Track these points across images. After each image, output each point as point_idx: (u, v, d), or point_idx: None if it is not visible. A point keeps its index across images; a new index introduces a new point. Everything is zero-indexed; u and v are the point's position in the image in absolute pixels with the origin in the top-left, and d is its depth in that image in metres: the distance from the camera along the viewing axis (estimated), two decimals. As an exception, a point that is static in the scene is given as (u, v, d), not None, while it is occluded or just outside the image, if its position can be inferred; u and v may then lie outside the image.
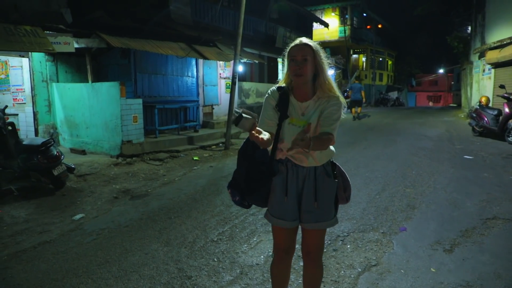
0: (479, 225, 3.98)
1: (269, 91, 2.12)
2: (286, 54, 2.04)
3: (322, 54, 2.01)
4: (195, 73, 11.14)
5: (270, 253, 3.37)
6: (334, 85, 2.06)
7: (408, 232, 3.84)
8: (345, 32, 23.27)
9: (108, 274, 3.08)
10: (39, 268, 3.25)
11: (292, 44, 2.01)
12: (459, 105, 23.49)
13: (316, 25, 22.85)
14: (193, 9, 11.53)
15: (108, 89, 7.70)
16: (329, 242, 3.62)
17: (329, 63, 2.06)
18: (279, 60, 18.26)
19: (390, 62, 36.06)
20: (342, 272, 3.06)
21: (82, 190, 5.64)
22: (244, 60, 13.10)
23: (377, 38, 31.74)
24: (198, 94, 11.25)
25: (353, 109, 16.16)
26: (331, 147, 2.08)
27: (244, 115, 1.70)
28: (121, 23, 8.88)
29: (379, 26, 32.58)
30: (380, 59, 33.12)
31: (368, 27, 30.88)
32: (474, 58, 16.38)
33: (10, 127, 6.14)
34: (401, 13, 38.12)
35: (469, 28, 19.33)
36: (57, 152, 5.50)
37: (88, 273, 3.12)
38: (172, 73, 10.36)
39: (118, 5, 9.26)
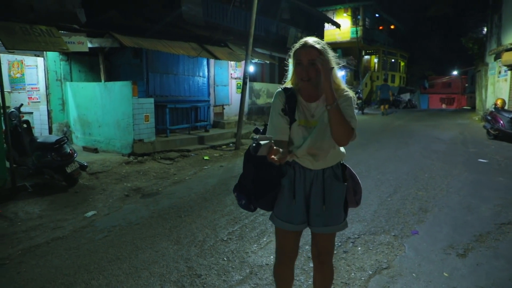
0: (494, 230, 3.91)
1: (276, 93, 2.04)
2: (291, 54, 1.96)
3: (330, 53, 1.92)
4: (206, 73, 11.18)
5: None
6: (342, 81, 2.01)
7: (420, 236, 3.79)
8: (357, 33, 23.11)
9: (119, 271, 3.11)
10: (52, 263, 3.30)
11: (298, 46, 1.91)
12: (473, 108, 23.12)
13: (327, 26, 22.73)
14: (204, 9, 11.58)
15: (121, 89, 7.78)
16: (339, 244, 3.59)
17: (338, 63, 1.98)
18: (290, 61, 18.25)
19: (402, 64, 35.71)
20: (353, 274, 3.03)
21: (94, 187, 5.70)
22: (255, 60, 13.10)
23: (390, 39, 31.50)
24: (209, 94, 11.28)
25: (382, 106, 19.14)
26: (342, 149, 2.03)
27: (261, 142, 1.65)
28: (133, 23, 8.96)
29: (392, 27, 32.31)
30: (392, 60, 32.80)
31: (381, 28, 30.65)
32: (490, 59, 16.10)
33: (25, 125, 6.26)
34: (414, 14, 37.65)
35: (485, 29, 19.03)
36: (70, 150, 5.57)
37: (99, 269, 3.15)
38: (183, 73, 10.42)
39: (130, 5, 9.35)
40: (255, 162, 2.00)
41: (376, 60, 30.74)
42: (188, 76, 10.59)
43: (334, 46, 25.93)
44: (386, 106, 19.19)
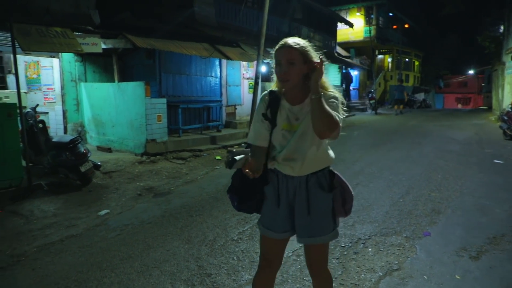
0: (509, 233, 3.83)
1: (261, 96, 1.99)
2: (273, 55, 1.88)
3: (313, 53, 1.83)
4: (218, 73, 11.24)
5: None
6: (329, 84, 1.91)
7: (432, 237, 3.75)
8: (370, 32, 22.87)
9: (131, 269, 3.16)
10: (66, 260, 3.37)
11: (278, 46, 1.85)
12: (489, 108, 22.67)
13: (340, 25, 22.59)
14: (216, 9, 11.63)
15: (134, 89, 7.88)
16: (349, 244, 3.58)
17: (325, 62, 1.85)
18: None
19: (416, 63, 35.22)
20: (363, 275, 3.02)
21: (108, 186, 5.79)
22: (267, 60, 13.08)
23: (404, 38, 31.06)
24: (221, 94, 11.33)
25: (396, 106, 19.61)
26: (330, 153, 1.97)
27: (236, 157, 1.72)
28: (146, 24, 9.06)
29: (406, 26, 31.87)
30: (407, 59, 32.39)
31: (394, 27, 30.26)
32: (507, 58, 15.76)
33: (41, 125, 6.40)
34: (428, 13, 37.08)
35: (502, 27, 18.63)
36: (84, 149, 5.67)
37: (111, 267, 3.20)
38: (195, 73, 10.48)
39: (143, 6, 9.46)
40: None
41: (390, 60, 30.40)
42: (200, 76, 10.66)
43: (347, 45, 25.79)
44: (401, 106, 19.43)
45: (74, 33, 7.39)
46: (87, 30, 7.81)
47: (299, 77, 1.82)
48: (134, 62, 9.68)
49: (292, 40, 1.83)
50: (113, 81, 8.81)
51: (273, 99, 1.93)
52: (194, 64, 10.37)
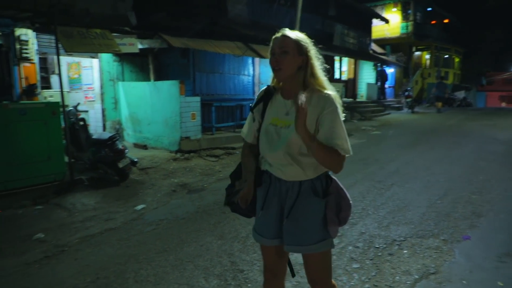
0: (556, 238, 3.62)
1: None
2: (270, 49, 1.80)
3: (310, 46, 1.77)
4: (251, 72, 11.29)
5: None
6: (325, 80, 1.78)
7: (473, 241, 3.60)
8: (407, 28, 22.18)
9: (166, 262, 3.25)
10: (105, 252, 3.52)
11: (273, 37, 1.78)
12: (536, 106, 21.39)
13: (376, 22, 22.03)
14: (250, 8, 11.67)
15: (169, 88, 8.07)
16: (384, 245, 3.50)
17: (319, 58, 1.78)
18: (336, 58, 17.93)
19: (457, 60, 33.76)
20: (398, 277, 2.95)
21: (144, 182, 5.97)
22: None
23: (443, 34, 29.89)
24: (254, 93, 11.38)
25: (437, 103, 19.04)
26: None
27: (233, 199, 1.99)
28: (181, 23, 9.24)
29: (445, 21, 30.61)
30: (446, 56, 31.12)
31: (433, 22, 29.13)
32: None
33: (81, 123, 6.69)
34: (470, 7, 35.43)
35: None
36: (122, 146, 5.88)
37: (147, 260, 3.31)
38: (229, 72, 10.59)
39: (178, 6, 9.65)
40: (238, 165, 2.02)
41: (427, 56, 29.33)
42: (233, 74, 10.75)
43: (383, 42, 25.13)
44: (440, 104, 18.98)
45: (113, 34, 7.66)
46: (124, 31, 8.08)
47: (292, 67, 1.73)
48: (169, 61, 9.91)
49: (288, 30, 1.77)
50: (149, 80, 9.07)
51: (266, 93, 1.88)
52: (227, 62, 10.48)
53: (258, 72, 11.65)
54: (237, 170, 2.06)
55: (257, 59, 11.24)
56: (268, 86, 1.90)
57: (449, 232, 3.80)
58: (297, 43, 1.73)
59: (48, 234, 3.97)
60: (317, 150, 1.62)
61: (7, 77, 6.63)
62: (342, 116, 1.72)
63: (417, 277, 2.95)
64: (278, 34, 1.76)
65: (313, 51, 1.77)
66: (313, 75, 1.76)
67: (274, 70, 1.76)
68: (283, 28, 1.79)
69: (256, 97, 1.94)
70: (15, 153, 4.91)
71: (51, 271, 3.18)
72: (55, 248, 3.63)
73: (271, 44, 1.78)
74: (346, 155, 1.69)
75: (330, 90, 1.76)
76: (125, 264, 3.24)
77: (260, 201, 1.88)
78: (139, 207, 4.81)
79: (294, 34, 1.75)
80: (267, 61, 11.57)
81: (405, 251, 3.40)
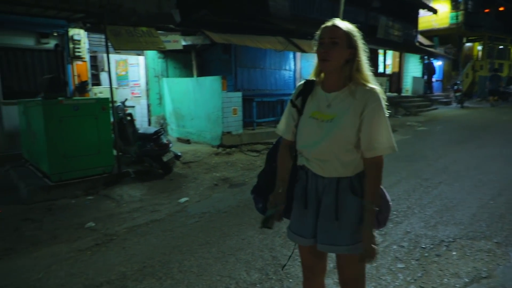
0: None
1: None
2: (317, 38, 1.74)
3: (359, 40, 1.70)
4: (292, 67, 11.22)
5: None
6: (370, 75, 1.72)
7: (530, 244, 3.37)
8: (457, 18, 20.95)
9: (208, 254, 3.32)
10: (151, 242, 3.66)
11: (322, 26, 1.72)
12: None
13: (422, 12, 21.03)
14: (291, 2, 11.57)
15: (211, 83, 8.21)
16: (431, 246, 3.37)
17: (366, 51, 1.72)
18: (380, 51, 17.36)
19: (513, 50, 31.50)
20: (446, 280, 2.82)
21: (187, 176, 6.14)
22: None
23: (498, 23, 27.96)
24: (295, 88, 11.28)
25: (491, 97, 18.34)
26: None
27: (271, 219, 1.90)
28: (223, 20, 9.34)
29: (501, 9, 28.62)
30: (501, 47, 29.12)
31: (486, 10, 27.34)
32: None
33: (128, 118, 6.97)
34: (529, -7, 32.83)
35: None
36: (166, 140, 6.07)
37: (191, 251, 3.40)
38: (270, 67, 10.59)
39: (220, 3, 9.76)
40: (272, 162, 1.92)
41: (479, 48, 27.60)
42: (274, 70, 10.73)
43: (430, 34, 23.97)
44: (495, 98, 18.18)
45: (158, 31, 7.90)
46: (169, 29, 8.31)
47: (340, 60, 1.67)
48: (211, 57, 10.07)
49: (339, 20, 1.71)
50: (192, 76, 9.28)
51: (306, 84, 1.82)
52: (268, 57, 10.47)
53: (299, 67, 11.54)
54: (266, 169, 2.01)
55: (298, 54, 11.14)
56: (307, 79, 1.85)
57: (503, 235, 3.58)
58: (348, 35, 1.67)
59: (98, 223, 4.19)
60: (376, 192, 1.69)
61: (62, 75, 7.04)
62: (386, 112, 1.67)
63: (467, 280, 2.81)
64: (329, 23, 1.70)
65: (361, 45, 1.71)
66: (359, 69, 1.69)
67: (321, 60, 1.70)
68: (334, 18, 1.74)
69: (293, 92, 1.89)
70: (69, 146, 5.21)
71: (101, 258, 3.36)
72: (104, 236, 3.83)
73: (318, 32, 1.72)
74: (391, 152, 1.67)
75: (375, 85, 1.70)
76: (170, 255, 3.35)
77: (301, 199, 1.81)
78: (183, 200, 4.95)
79: (345, 25, 1.69)
80: (308, 55, 11.52)
81: (454, 253, 3.25)
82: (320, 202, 1.75)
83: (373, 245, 1.63)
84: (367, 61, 1.75)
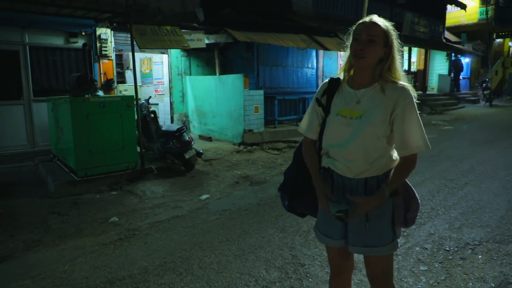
0: None
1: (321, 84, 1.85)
2: (351, 33, 1.69)
3: (395, 39, 1.66)
4: (315, 64, 11.13)
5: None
6: (403, 75, 1.69)
7: (561, 250, 3.23)
8: (487, 14, 20.22)
9: (228, 252, 3.35)
10: (172, 238, 3.72)
11: (359, 21, 1.68)
12: None
13: (450, 8, 20.44)
14: (314, 0, 11.47)
15: (233, 81, 8.25)
16: (455, 249, 3.28)
17: (401, 51, 1.70)
18: (405, 48, 16.96)
19: (547, 47, 30.15)
20: (471, 284, 2.74)
21: (208, 173, 6.20)
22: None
23: (531, 19, 26.80)
24: (317, 86, 11.20)
25: None
26: (395, 154, 1.72)
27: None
28: (246, 18, 9.37)
29: (534, 3, 27.42)
30: (533, 43, 27.93)
31: (519, 5, 26.24)
32: None
33: (152, 115, 7.10)
34: None
35: None
36: (188, 138, 6.15)
37: (211, 248, 3.44)
38: (292, 65, 10.54)
39: (244, 1, 9.78)
40: (299, 160, 1.89)
41: (511, 44, 26.59)
42: (296, 67, 10.68)
43: (458, 30, 23.24)
44: None
45: (182, 30, 8.00)
46: (192, 27, 8.40)
47: (375, 58, 1.63)
48: (234, 55, 10.11)
49: (377, 17, 1.67)
50: (215, 74, 9.34)
51: (332, 84, 1.78)
52: (290, 55, 10.43)
53: (322, 65, 11.44)
54: (292, 167, 1.99)
55: (321, 52, 11.04)
56: (331, 77, 1.81)
57: (533, 239, 3.45)
58: (386, 33, 1.64)
59: (121, 218, 4.30)
60: (397, 184, 1.67)
61: (90, 73, 7.24)
62: (417, 109, 1.65)
63: (493, 285, 2.72)
64: (367, 19, 1.66)
65: (396, 44, 1.68)
66: (391, 68, 1.67)
67: (356, 57, 1.64)
68: (372, 14, 1.71)
69: (319, 89, 1.85)
70: (94, 142, 5.36)
71: (124, 252, 3.45)
72: (127, 231, 3.92)
73: (354, 28, 1.68)
74: (425, 150, 1.66)
75: (405, 82, 1.68)
76: (190, 251, 3.40)
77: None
78: (204, 197, 5.01)
79: (383, 23, 1.66)
80: (331, 53, 11.41)
81: (479, 256, 3.15)
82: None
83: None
84: (401, 61, 1.72)
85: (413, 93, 1.65)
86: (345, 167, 1.70)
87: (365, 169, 1.67)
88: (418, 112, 1.65)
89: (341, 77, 1.81)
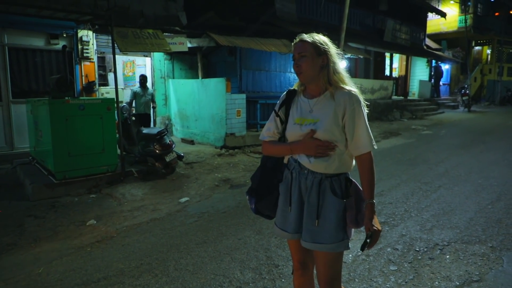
0: None
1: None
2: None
3: (329, 45, 1.82)
4: (297, 69, 11.27)
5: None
6: (346, 76, 1.84)
7: (524, 250, 3.38)
8: (466, 22, 20.83)
9: (204, 253, 3.39)
10: (150, 240, 3.74)
11: (292, 43, 1.88)
12: None
13: (431, 15, 20.97)
14: (298, 5, 11.63)
15: (216, 85, 8.29)
16: (425, 249, 3.40)
17: (340, 54, 1.85)
18: (387, 54, 17.32)
19: (523, 55, 31.11)
20: (437, 283, 2.85)
21: (189, 176, 6.22)
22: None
23: (508, 27, 27.65)
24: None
25: None
26: (350, 160, 1.86)
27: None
28: (229, 22, 9.45)
29: (511, 12, 28.32)
30: (511, 50, 28.83)
31: (496, 14, 27.09)
32: None
33: (133, 118, 7.08)
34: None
35: None
36: (169, 141, 6.16)
37: (188, 250, 3.48)
38: (275, 69, 10.66)
39: (227, 5, 9.86)
40: (264, 163, 2.02)
41: (489, 51, 27.38)
42: (279, 72, 10.80)
43: (438, 37, 23.83)
44: None
45: (164, 34, 8.02)
46: (175, 31, 8.43)
47: (313, 69, 1.79)
48: (217, 59, 10.17)
49: (306, 35, 1.84)
50: (198, 78, 9.37)
51: (289, 96, 1.95)
52: (273, 60, 10.55)
53: (304, 70, 11.57)
54: (257, 171, 2.08)
55: (303, 57, 11.17)
56: (289, 89, 1.98)
57: (499, 239, 3.59)
58: (313, 45, 1.80)
59: (99, 220, 4.29)
60: (371, 186, 1.80)
61: (70, 75, 7.18)
62: (365, 113, 1.80)
63: (457, 283, 2.84)
64: (297, 40, 1.85)
65: (333, 50, 1.83)
66: (335, 71, 1.82)
67: (297, 74, 1.85)
68: (301, 34, 1.86)
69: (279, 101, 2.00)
70: (74, 145, 5.33)
71: (100, 254, 3.45)
72: (105, 234, 3.92)
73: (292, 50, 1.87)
74: (371, 150, 1.80)
75: (351, 87, 1.83)
76: (167, 253, 3.43)
77: (286, 197, 1.92)
78: (183, 199, 5.03)
79: (311, 38, 1.82)
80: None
81: (447, 256, 3.28)
82: (303, 202, 1.86)
83: (376, 228, 1.75)
84: (343, 65, 1.89)
85: (360, 97, 1.80)
86: (306, 157, 1.83)
87: (323, 164, 1.80)
88: (365, 115, 1.80)
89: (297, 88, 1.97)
